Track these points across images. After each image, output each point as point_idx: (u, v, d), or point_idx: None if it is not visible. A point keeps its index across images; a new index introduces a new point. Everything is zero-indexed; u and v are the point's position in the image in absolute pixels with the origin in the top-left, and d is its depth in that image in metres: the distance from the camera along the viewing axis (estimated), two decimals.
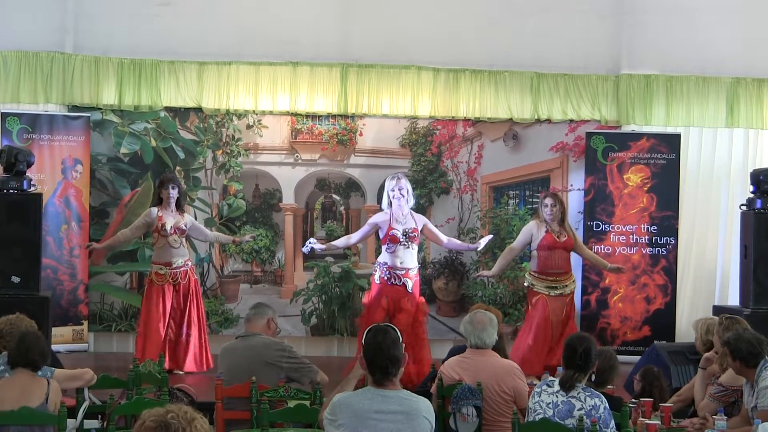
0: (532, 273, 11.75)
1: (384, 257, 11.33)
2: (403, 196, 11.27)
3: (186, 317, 11.80)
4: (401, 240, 11.19)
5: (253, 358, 8.07)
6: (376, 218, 11.55)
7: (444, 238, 11.75)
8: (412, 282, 11.27)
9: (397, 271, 11.21)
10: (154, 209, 11.84)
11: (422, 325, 11.40)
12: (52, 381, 6.88)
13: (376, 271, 11.41)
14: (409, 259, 11.29)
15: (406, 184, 11.34)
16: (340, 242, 11.86)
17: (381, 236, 11.38)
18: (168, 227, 11.70)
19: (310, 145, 13.65)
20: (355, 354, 11.48)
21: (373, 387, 5.72)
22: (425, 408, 5.70)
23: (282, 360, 8.13)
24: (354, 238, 11.82)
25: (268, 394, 7.37)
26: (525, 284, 11.95)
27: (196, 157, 13.50)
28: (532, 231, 11.76)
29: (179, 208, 11.88)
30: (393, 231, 11.20)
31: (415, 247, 11.36)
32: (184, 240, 11.88)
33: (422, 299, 11.58)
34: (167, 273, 11.76)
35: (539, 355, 11.39)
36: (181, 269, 11.81)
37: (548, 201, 11.72)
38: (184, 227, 11.79)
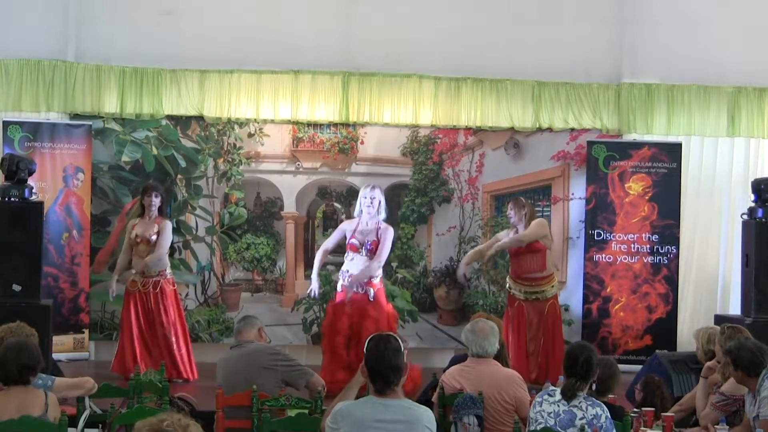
0: (511, 277, 12.00)
1: (346, 265, 11.45)
2: (373, 206, 11.35)
3: (161, 327, 11.80)
4: (359, 250, 11.28)
5: (250, 363, 8.08)
6: (345, 224, 11.77)
7: (375, 262, 11.42)
8: (374, 290, 11.33)
9: (359, 280, 11.27)
10: (133, 221, 11.91)
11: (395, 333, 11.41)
12: (50, 393, 6.84)
13: (339, 278, 11.54)
14: (369, 267, 11.38)
15: (378, 195, 11.44)
16: (320, 257, 11.90)
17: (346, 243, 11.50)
18: (133, 235, 11.76)
19: (311, 153, 13.65)
20: (323, 362, 11.45)
21: (374, 396, 5.72)
22: (426, 417, 5.70)
23: (277, 363, 8.14)
24: (329, 244, 11.89)
25: (268, 403, 7.37)
26: (507, 289, 12.13)
27: (198, 166, 13.50)
28: (498, 236, 12.18)
29: (162, 215, 11.90)
30: (352, 240, 11.35)
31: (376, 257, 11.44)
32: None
33: (390, 306, 11.65)
34: (139, 281, 11.79)
35: (521, 364, 11.43)
36: (153, 278, 11.80)
37: (509, 206, 12.07)
38: (149, 237, 11.78)
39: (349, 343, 11.17)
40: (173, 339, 11.79)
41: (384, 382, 5.69)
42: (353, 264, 11.37)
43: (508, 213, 11.97)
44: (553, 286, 11.93)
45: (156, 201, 11.81)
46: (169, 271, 11.99)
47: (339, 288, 11.49)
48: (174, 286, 12.03)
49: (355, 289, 11.29)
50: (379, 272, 11.53)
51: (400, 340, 5.87)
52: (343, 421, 5.63)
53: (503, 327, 11.66)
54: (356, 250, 11.34)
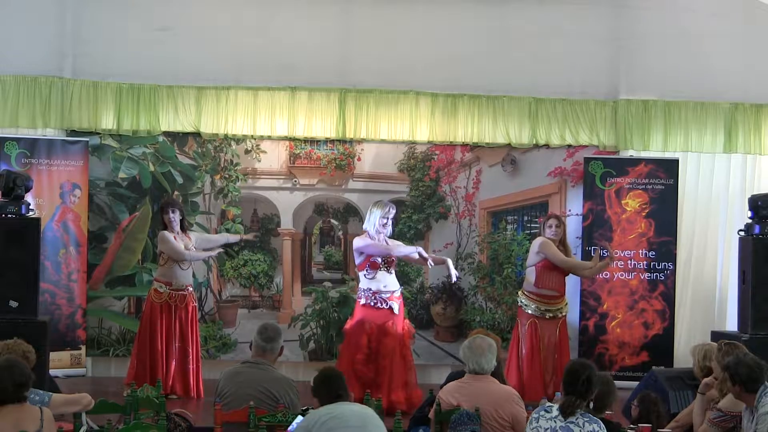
0: (526, 293, 11.72)
1: (366, 283, 11.18)
2: (392, 226, 11.31)
3: (180, 341, 11.76)
4: (380, 265, 11.19)
5: (269, 385, 7.85)
6: (362, 247, 11.32)
7: (411, 249, 11.46)
8: (398, 304, 11.23)
9: (383, 295, 11.18)
10: (168, 234, 11.78)
11: (409, 349, 11.35)
12: (45, 409, 6.82)
13: (360, 298, 11.24)
14: (391, 282, 11.25)
15: (395, 214, 11.39)
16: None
17: (360, 262, 11.25)
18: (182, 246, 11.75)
19: (308, 169, 13.65)
20: None
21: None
22: None
23: (287, 395, 7.93)
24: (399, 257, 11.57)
25: (265, 419, 7.35)
26: (518, 304, 11.86)
27: (195, 182, 13.50)
28: (551, 246, 11.62)
29: (183, 230, 11.91)
30: (373, 257, 11.16)
31: (393, 270, 11.34)
32: (191, 264, 11.91)
33: (408, 321, 11.55)
34: (166, 292, 11.74)
35: (536, 381, 11.38)
36: (181, 292, 11.78)
37: (552, 222, 11.68)
38: (191, 249, 11.83)
39: (368, 359, 11.03)
40: (191, 355, 11.80)
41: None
42: (374, 282, 11.15)
43: (551, 229, 11.57)
44: (566, 305, 11.87)
45: (175, 216, 11.79)
46: (192, 286, 12.02)
47: (362, 302, 11.21)
48: (195, 302, 12.07)
49: (375, 305, 11.19)
50: (398, 285, 11.37)
51: None
52: None
53: (512, 342, 11.70)
54: (377, 266, 11.15)
